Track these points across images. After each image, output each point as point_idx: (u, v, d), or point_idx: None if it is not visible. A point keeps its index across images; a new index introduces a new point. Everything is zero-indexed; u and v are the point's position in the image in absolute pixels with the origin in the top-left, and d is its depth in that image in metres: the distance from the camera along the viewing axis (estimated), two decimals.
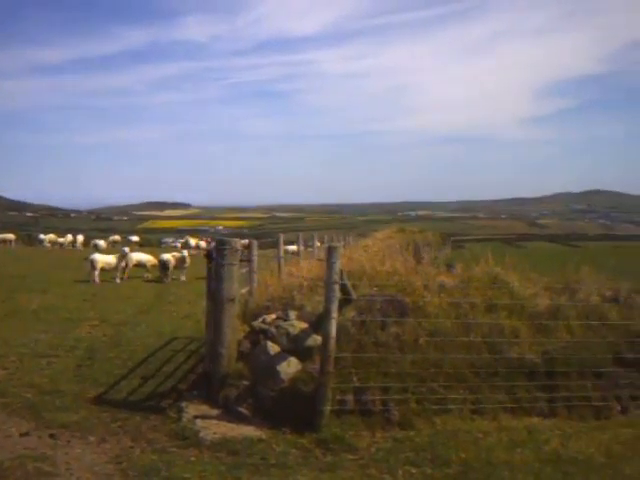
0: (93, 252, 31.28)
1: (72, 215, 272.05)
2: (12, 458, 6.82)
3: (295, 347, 8.73)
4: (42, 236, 57.72)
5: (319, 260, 15.25)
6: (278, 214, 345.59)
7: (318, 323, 8.59)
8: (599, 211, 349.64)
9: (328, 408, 7.83)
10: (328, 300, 7.94)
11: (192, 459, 6.95)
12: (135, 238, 60.37)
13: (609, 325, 9.67)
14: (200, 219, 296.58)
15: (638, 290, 10.68)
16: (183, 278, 28.20)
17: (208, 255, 9.91)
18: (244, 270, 11.34)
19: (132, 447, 7.32)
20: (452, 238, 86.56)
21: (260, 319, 9.38)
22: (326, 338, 7.92)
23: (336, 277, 7.97)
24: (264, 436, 7.63)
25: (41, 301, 19.38)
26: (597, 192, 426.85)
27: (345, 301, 8.67)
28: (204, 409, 8.47)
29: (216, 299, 9.07)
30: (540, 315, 9.63)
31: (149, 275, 28.28)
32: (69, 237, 55.48)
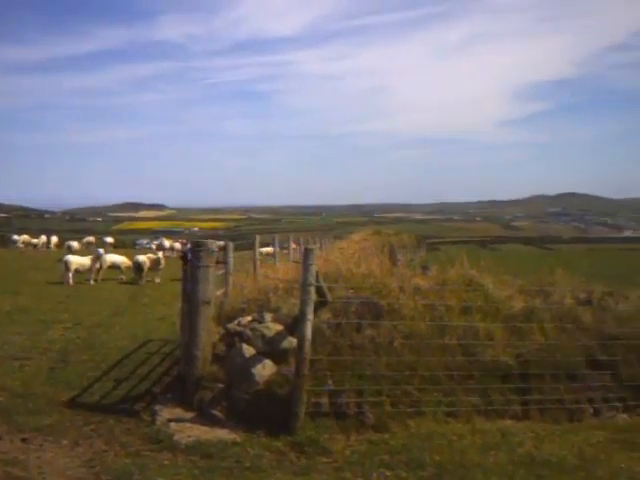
0: (67, 253, 31.06)
1: (46, 216, 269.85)
2: None
3: (270, 349, 8.71)
4: (15, 237, 57.13)
5: (295, 262, 15.25)
6: (254, 215, 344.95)
7: (294, 325, 8.59)
8: (573, 214, 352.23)
9: (303, 411, 7.83)
10: (304, 302, 7.94)
11: (166, 463, 6.91)
12: (110, 239, 59.91)
13: (583, 328, 9.74)
14: (175, 220, 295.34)
15: (611, 292, 10.76)
16: (158, 280, 28.06)
17: (183, 257, 9.87)
18: (220, 272, 11.30)
19: (105, 451, 7.27)
20: (427, 240, 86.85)
21: (235, 321, 9.36)
22: (301, 340, 7.91)
23: (312, 279, 7.97)
24: (238, 439, 7.62)
25: (14, 303, 19.20)
26: (571, 195, 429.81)
27: (321, 303, 8.68)
28: (178, 412, 8.44)
29: (191, 301, 9.04)
30: (514, 318, 9.67)
31: (124, 277, 28.11)
32: (43, 238, 54.96)
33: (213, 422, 8.14)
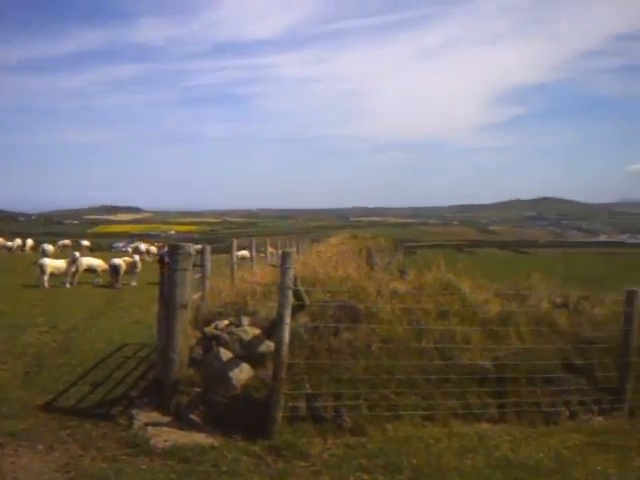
0: (42, 257, 30.85)
1: (21, 219, 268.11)
2: None
3: (248, 353, 8.70)
4: None
5: (273, 266, 15.24)
6: (230, 219, 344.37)
7: (271, 329, 8.58)
8: (549, 218, 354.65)
9: (280, 415, 7.82)
10: (281, 306, 7.93)
11: (143, 467, 6.88)
12: (86, 242, 59.58)
13: (559, 331, 9.81)
14: (151, 223, 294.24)
15: (587, 296, 10.84)
16: (134, 283, 27.98)
17: (161, 260, 9.83)
18: (197, 276, 11.27)
19: (81, 455, 7.21)
20: (404, 244, 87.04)
21: (212, 325, 9.34)
22: (279, 344, 7.90)
23: (290, 283, 7.97)
24: (216, 443, 7.59)
25: None
26: (547, 199, 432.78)
27: (298, 307, 8.67)
28: (155, 416, 8.40)
29: (168, 305, 9.00)
30: (491, 321, 9.72)
31: (100, 280, 27.96)
32: (18, 241, 54.53)
33: (190, 426, 8.11)
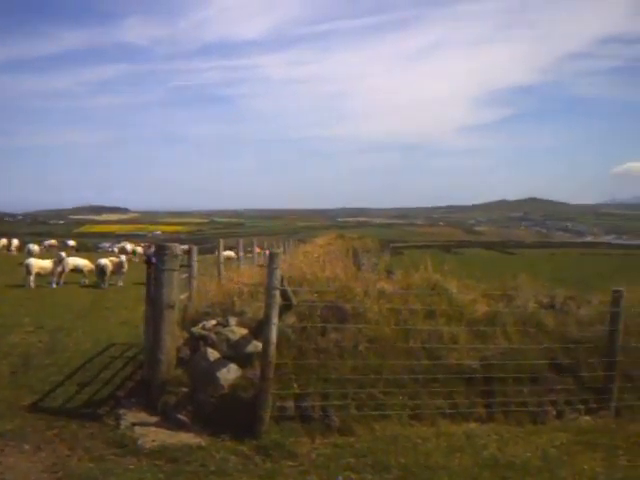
0: (28, 257, 30.72)
1: (6, 219, 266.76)
2: None
3: (235, 353, 8.69)
4: None
5: (260, 266, 15.21)
6: (217, 219, 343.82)
7: (258, 329, 8.57)
8: (535, 219, 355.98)
9: (268, 414, 7.82)
10: (268, 306, 7.93)
11: (130, 467, 6.86)
12: (71, 242, 59.33)
13: (545, 331, 9.84)
14: (138, 223, 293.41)
15: (573, 297, 10.88)
16: (121, 283, 27.91)
17: (148, 260, 9.81)
18: (183, 276, 11.25)
19: (69, 455, 7.19)
20: (391, 245, 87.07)
21: (200, 325, 9.32)
22: (266, 344, 7.90)
23: (277, 283, 7.97)
24: (203, 443, 7.58)
25: None
26: (533, 200, 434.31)
27: (285, 307, 8.67)
28: (143, 416, 8.39)
29: (155, 305, 8.99)
30: (478, 321, 9.74)
31: (86, 280, 27.85)
32: (4, 241, 54.23)
33: (178, 426, 8.10)
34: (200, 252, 14.48)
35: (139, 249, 49.29)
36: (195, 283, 12.41)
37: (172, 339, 8.95)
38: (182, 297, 10.62)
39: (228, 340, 8.81)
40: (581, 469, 7.05)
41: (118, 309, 19.71)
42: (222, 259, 17.61)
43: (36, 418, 8.49)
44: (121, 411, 8.54)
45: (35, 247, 42.75)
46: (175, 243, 9.54)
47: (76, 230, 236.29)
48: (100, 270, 27.20)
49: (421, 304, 9.74)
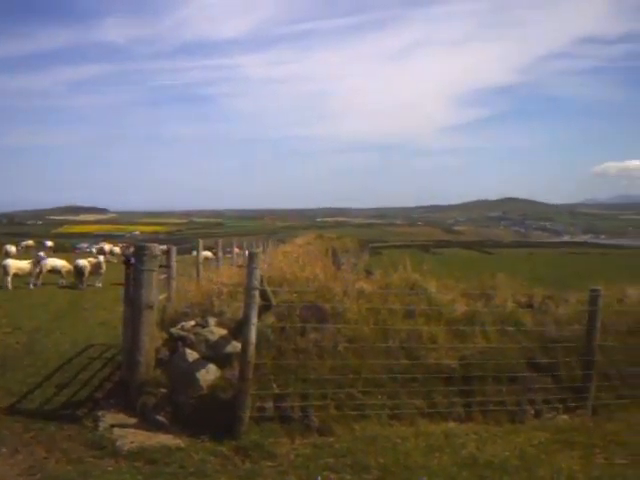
0: (5, 258, 30.53)
1: None
2: None
3: (214, 354, 8.67)
4: None
5: (239, 266, 15.19)
6: (196, 219, 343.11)
7: (238, 329, 8.55)
8: (513, 218, 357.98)
9: (247, 415, 7.80)
10: (248, 306, 7.91)
11: (109, 469, 6.83)
12: (49, 243, 58.98)
13: (524, 331, 9.88)
14: (116, 224, 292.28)
15: (552, 296, 10.93)
16: (99, 284, 27.79)
17: (126, 261, 9.77)
18: (162, 276, 11.22)
19: (46, 458, 7.14)
20: (370, 244, 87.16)
21: (179, 326, 9.29)
22: (246, 344, 7.89)
23: (256, 283, 7.95)
24: (182, 444, 7.55)
25: None
26: (511, 200, 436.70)
27: (265, 307, 8.66)
28: (121, 418, 8.34)
29: (134, 305, 8.95)
30: (457, 321, 9.77)
31: (64, 281, 27.72)
32: None
33: (157, 427, 8.06)
34: (178, 252, 14.44)
35: (117, 249, 49.11)
36: (174, 284, 12.38)
37: (151, 340, 8.91)
38: (161, 298, 10.60)
39: (207, 341, 8.79)
40: (559, 468, 7.08)
41: (96, 310, 19.64)
42: (201, 259, 17.58)
43: (13, 420, 8.42)
44: (99, 413, 8.49)
45: (12, 248, 42.53)
46: (154, 243, 9.51)
47: (54, 231, 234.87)
48: (78, 271, 27.08)
49: (400, 304, 9.76)
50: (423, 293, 10.28)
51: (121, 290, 10.14)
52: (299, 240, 41.35)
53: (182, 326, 9.24)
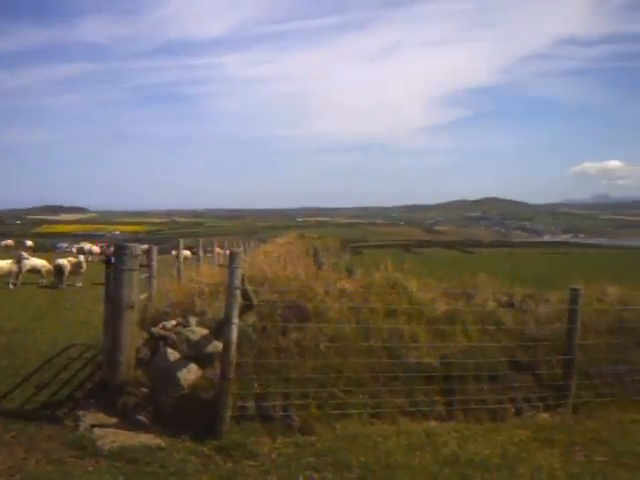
0: None
1: None
2: None
3: (195, 353, 8.65)
4: None
5: (220, 266, 15.17)
6: (177, 219, 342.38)
7: (219, 329, 8.53)
8: (493, 218, 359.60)
9: (229, 414, 7.79)
10: (229, 306, 7.90)
11: (90, 469, 6.79)
12: (29, 242, 58.70)
13: (504, 329, 9.93)
14: (97, 223, 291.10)
15: (532, 295, 10.99)
16: (79, 284, 27.62)
17: (107, 260, 9.73)
18: (143, 276, 11.17)
19: (25, 458, 7.08)
20: (351, 244, 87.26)
21: (160, 325, 9.26)
22: (227, 344, 7.87)
23: (238, 282, 7.94)
24: (163, 444, 7.52)
25: None
26: (491, 200, 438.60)
27: (246, 307, 8.65)
28: (102, 418, 8.30)
29: (115, 305, 8.90)
30: (438, 320, 9.80)
31: (44, 281, 27.54)
32: None
33: (138, 427, 8.03)
34: (158, 252, 14.40)
35: (95, 248, 48.89)
36: (155, 283, 12.34)
37: (132, 339, 8.88)
38: (142, 297, 10.55)
39: (188, 340, 8.77)
40: (539, 465, 7.12)
41: (77, 309, 19.52)
42: (182, 259, 17.54)
43: None
44: (80, 412, 8.44)
45: None
46: (132, 243, 9.47)
47: (33, 230, 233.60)
48: (58, 270, 26.91)
49: (381, 303, 9.77)
50: (404, 292, 10.30)
51: (102, 290, 10.09)
52: (280, 240, 41.36)
53: (163, 326, 9.21)
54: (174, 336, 8.87)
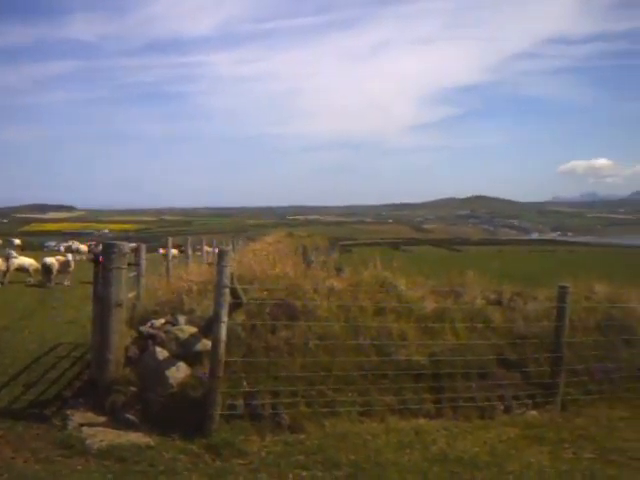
0: None
1: None
2: None
3: (184, 352, 8.64)
4: None
5: (209, 264, 15.14)
6: (166, 217, 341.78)
7: (208, 327, 8.53)
8: (482, 216, 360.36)
9: (218, 413, 7.78)
10: (218, 304, 7.89)
11: (78, 468, 6.77)
12: (17, 241, 58.40)
13: (493, 327, 9.95)
14: (85, 222, 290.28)
15: (520, 293, 11.01)
16: (67, 282, 27.49)
17: (95, 259, 9.70)
18: (131, 274, 11.14)
19: (14, 457, 7.04)
20: (340, 242, 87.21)
21: (148, 324, 9.25)
22: (216, 342, 7.86)
23: (226, 281, 7.93)
24: (152, 443, 7.50)
25: None
26: (480, 198, 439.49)
27: (235, 305, 8.63)
28: (90, 416, 8.27)
29: (103, 304, 8.87)
30: (427, 318, 9.82)
31: (32, 279, 27.42)
32: None
33: (126, 426, 8.01)
34: (147, 251, 14.36)
35: (83, 247, 48.68)
36: (144, 281, 12.31)
37: (120, 338, 8.86)
38: (130, 296, 10.52)
39: (177, 339, 8.76)
40: (528, 463, 7.15)
41: (65, 308, 19.43)
42: (171, 257, 17.50)
43: None
44: (68, 411, 8.42)
45: None
46: (122, 241, 9.45)
47: (21, 229, 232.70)
48: (46, 269, 26.80)
49: (370, 301, 9.79)
50: (393, 290, 10.32)
51: (90, 288, 10.06)
52: (269, 238, 41.30)
53: (152, 324, 9.20)
54: (163, 334, 8.85)
